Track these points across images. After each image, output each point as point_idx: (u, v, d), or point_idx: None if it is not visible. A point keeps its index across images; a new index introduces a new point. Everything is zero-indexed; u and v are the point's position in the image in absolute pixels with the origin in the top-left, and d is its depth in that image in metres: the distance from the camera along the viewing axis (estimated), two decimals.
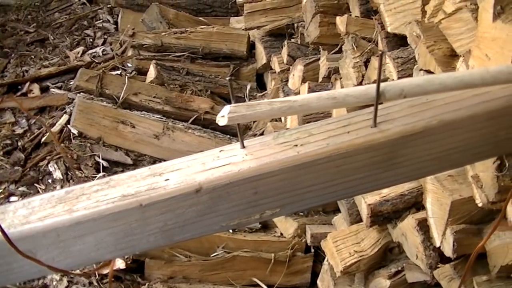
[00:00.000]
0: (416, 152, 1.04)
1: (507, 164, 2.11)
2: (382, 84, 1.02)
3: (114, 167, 4.33)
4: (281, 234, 3.89)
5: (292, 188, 1.03)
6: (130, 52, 5.21)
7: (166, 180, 1.05)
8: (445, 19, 2.56)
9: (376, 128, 1.03)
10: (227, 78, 1.23)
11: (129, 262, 3.54)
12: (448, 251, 2.59)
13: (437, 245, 2.67)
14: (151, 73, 4.81)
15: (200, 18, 5.65)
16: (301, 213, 3.86)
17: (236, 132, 4.64)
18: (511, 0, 2.12)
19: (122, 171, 4.16)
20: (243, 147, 1.08)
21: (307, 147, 1.03)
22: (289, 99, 1.04)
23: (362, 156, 1.02)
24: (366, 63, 3.39)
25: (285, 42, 4.60)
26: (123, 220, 1.02)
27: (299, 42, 4.55)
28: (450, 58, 2.58)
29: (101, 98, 4.56)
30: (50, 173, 4.17)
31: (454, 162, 1.07)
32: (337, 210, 3.63)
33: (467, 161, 1.08)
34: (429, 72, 2.60)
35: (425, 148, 1.04)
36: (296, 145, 1.04)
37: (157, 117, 4.51)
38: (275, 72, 4.82)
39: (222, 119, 1.04)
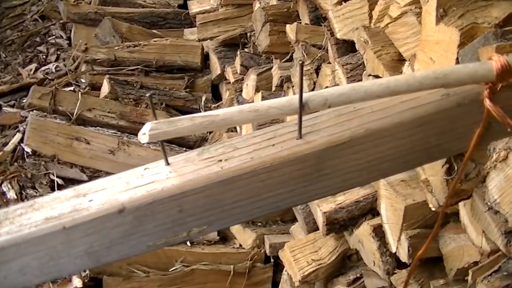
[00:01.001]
0: (343, 163, 1.01)
1: (456, 168, 2.10)
2: (305, 95, 0.99)
3: (69, 185, 4.26)
4: (240, 245, 3.86)
5: (218, 204, 1.00)
6: (83, 68, 5.16)
7: (90, 201, 1.01)
8: (391, 24, 2.55)
9: (301, 140, 1.01)
10: (147, 95, 1.19)
11: (86, 280, 3.49)
12: (403, 256, 2.58)
13: (393, 250, 2.66)
14: (105, 88, 4.76)
15: (153, 30, 5.60)
16: (259, 223, 3.85)
17: (192, 144, 4.62)
18: (453, 2, 2.11)
19: None
20: (168, 164, 1.05)
21: (231, 162, 1.00)
22: (211, 114, 1.01)
23: (288, 169, 0.99)
24: (317, 70, 3.38)
25: (238, 52, 4.57)
26: (47, 243, 0.99)
27: (252, 52, 4.54)
28: (398, 62, 2.57)
29: (55, 115, 4.50)
30: (4, 193, 4.10)
31: (384, 171, 1.04)
32: (295, 219, 3.60)
33: (398, 169, 1.05)
34: (378, 77, 2.59)
35: (352, 158, 1.01)
36: (221, 160, 1.01)
37: (112, 132, 4.46)
38: (229, 82, 4.80)
39: (143, 136, 1.01)
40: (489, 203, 2.00)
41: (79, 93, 4.70)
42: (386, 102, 1.05)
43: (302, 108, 0.98)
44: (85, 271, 3.50)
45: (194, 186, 0.99)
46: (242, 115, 1.00)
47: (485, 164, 2.01)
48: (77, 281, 3.47)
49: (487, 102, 1.02)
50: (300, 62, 0.96)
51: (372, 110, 1.04)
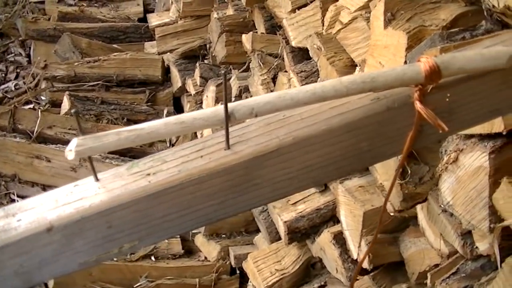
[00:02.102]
0: (272, 172, 0.99)
1: (409, 171, 2.09)
2: (231, 104, 0.97)
3: None
4: (205, 258, 3.83)
5: (147, 219, 0.98)
6: (43, 85, 5.11)
7: (18, 220, 0.99)
8: (342, 30, 2.54)
9: (229, 150, 0.99)
10: (73, 111, 1.17)
11: None
12: (364, 262, 2.57)
13: (355, 257, 2.65)
14: (65, 105, 4.72)
15: (114, 45, 5.56)
16: (224, 235, 3.82)
17: None
18: (401, 6, 2.11)
19: None
20: (97, 180, 1.02)
21: (159, 176, 0.98)
22: (137, 128, 0.99)
23: (216, 181, 0.97)
24: (274, 79, 3.37)
25: (197, 64, 4.56)
26: None
27: (211, 63, 4.52)
28: (351, 68, 2.57)
29: (14, 134, 4.45)
30: None
31: (315, 179, 1.03)
32: (259, 230, 3.58)
33: (330, 176, 1.03)
34: None
35: (281, 167, 0.99)
36: (149, 174, 0.99)
37: None
38: (190, 94, 4.78)
39: (70, 153, 0.98)
40: (442, 206, 2.00)
41: (39, 110, 4.65)
42: (315, 109, 1.03)
43: (228, 118, 0.96)
44: None
45: (122, 201, 0.97)
46: (168, 128, 0.98)
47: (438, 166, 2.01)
48: None
49: (418, 105, 1.01)
50: (224, 72, 0.94)
51: (301, 118, 1.02)
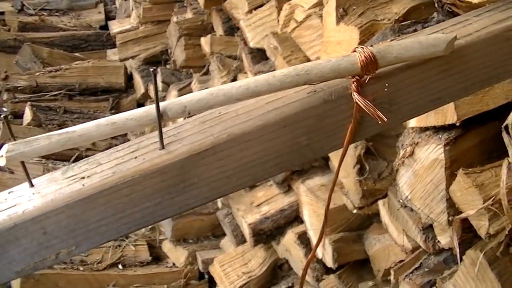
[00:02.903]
0: (208, 171, 0.96)
1: (367, 168, 2.08)
2: (163, 103, 0.95)
3: None
4: (173, 264, 3.79)
5: (83, 224, 0.95)
6: (4, 96, 5.04)
7: None
8: (297, 28, 2.53)
9: (163, 150, 0.96)
10: (2, 116, 1.15)
11: None
12: (329, 261, 2.56)
13: (320, 257, 2.63)
14: (27, 116, 4.66)
15: (76, 54, 5.51)
16: (191, 240, 3.79)
17: None
18: (353, 1, 2.09)
19: None
20: (32, 185, 0.99)
21: (93, 178, 0.95)
22: (68, 131, 0.96)
23: (151, 182, 0.94)
24: (234, 81, 3.34)
25: (159, 69, 4.52)
26: None
27: (173, 68, 4.48)
28: None
29: None
30: None
31: (254, 176, 1.00)
32: (226, 233, 3.56)
33: (270, 172, 1.00)
34: None
35: (217, 166, 0.97)
36: (83, 177, 0.96)
37: (36, 160, 4.35)
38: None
39: (1, 159, 0.95)
40: (401, 200, 1.98)
41: (1, 122, 4.59)
42: (251, 105, 1.01)
43: (161, 117, 0.94)
44: None
45: (56, 206, 0.94)
46: (100, 130, 0.95)
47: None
48: None
49: (355, 96, 0.98)
50: (153, 69, 0.91)
51: (237, 114, 0.99)
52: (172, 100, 0.95)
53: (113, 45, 5.57)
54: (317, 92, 1.01)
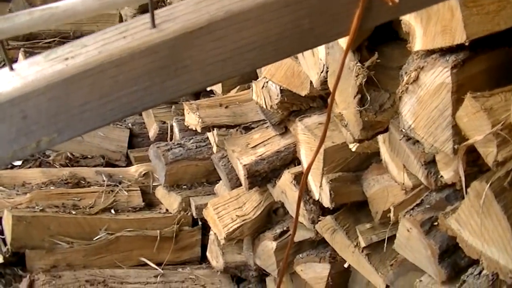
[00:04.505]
0: (203, 52, 0.88)
1: (368, 98, 2.00)
2: None
3: None
4: (167, 210, 3.74)
5: (65, 108, 0.87)
6: None
7: None
8: None
9: (155, 29, 0.88)
10: None
11: (7, 255, 3.34)
12: (326, 201, 2.50)
13: (316, 197, 2.57)
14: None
15: None
16: (184, 186, 3.73)
17: None
18: None
19: None
20: (12, 69, 0.91)
21: (77, 59, 0.87)
22: (51, 6, 0.88)
23: (139, 62, 0.86)
24: None
25: None
26: None
27: None
28: None
29: None
30: None
31: (252, 61, 0.92)
32: (220, 179, 3.49)
33: (268, 58, 0.92)
34: None
35: (213, 47, 0.88)
36: (67, 58, 0.88)
37: None
38: None
39: None
40: (403, 130, 1.90)
41: None
42: None
43: None
44: (5, 246, 3.35)
45: (36, 87, 0.86)
46: (86, 5, 0.87)
47: None
48: None
49: None
50: None
51: None
52: None
53: None
54: None
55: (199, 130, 3.17)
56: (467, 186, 1.77)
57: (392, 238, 2.26)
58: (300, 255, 2.89)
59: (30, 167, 4.09)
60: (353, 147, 2.32)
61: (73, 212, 3.50)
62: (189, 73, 0.89)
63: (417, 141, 1.97)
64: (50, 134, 0.89)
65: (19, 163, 4.16)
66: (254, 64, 0.93)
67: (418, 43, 1.76)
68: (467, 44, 1.61)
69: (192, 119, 3.20)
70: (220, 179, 3.45)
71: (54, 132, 0.89)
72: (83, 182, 3.83)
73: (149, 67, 0.87)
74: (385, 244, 2.38)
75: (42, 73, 0.87)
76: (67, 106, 0.88)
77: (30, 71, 0.88)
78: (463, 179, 1.77)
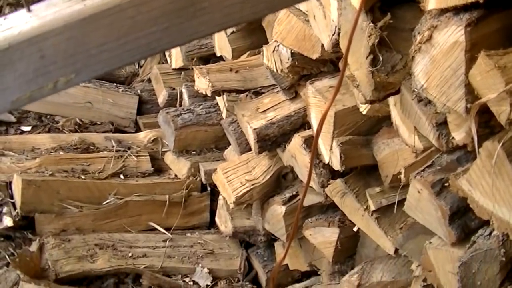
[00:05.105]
0: None
1: (380, 59, 2.00)
2: None
3: None
4: (175, 176, 3.74)
5: (83, 48, 0.88)
6: None
7: None
8: None
9: None
10: None
11: (17, 219, 3.36)
12: (336, 164, 2.50)
13: (326, 161, 2.57)
14: None
15: None
16: (194, 152, 3.73)
17: (123, 80, 4.49)
18: None
19: (6, 130, 3.98)
20: (29, 10, 0.91)
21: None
22: None
23: (159, 3, 0.86)
24: None
25: None
26: None
27: None
28: None
29: None
30: None
31: (269, 4, 0.91)
32: (230, 145, 3.50)
33: (289, 2, 0.92)
34: None
35: None
36: None
37: None
38: None
39: None
40: (416, 90, 1.90)
41: None
42: None
43: None
44: (15, 210, 3.37)
45: (54, 26, 0.86)
46: None
47: None
48: (7, 220, 3.35)
49: None
50: None
51: None
52: None
53: None
54: None
55: (209, 94, 3.18)
56: (479, 146, 1.77)
57: (401, 203, 2.26)
58: (309, 220, 2.89)
59: (39, 133, 4.09)
60: (364, 110, 2.32)
61: (82, 177, 3.51)
62: (208, 15, 0.89)
63: (429, 102, 1.97)
64: (67, 75, 0.89)
65: (28, 128, 4.17)
66: (273, 7, 0.93)
67: (431, 2, 1.76)
68: (481, 2, 1.60)
69: (202, 84, 3.20)
70: (230, 145, 3.46)
71: (71, 72, 0.89)
72: (92, 148, 3.83)
73: (168, 8, 0.87)
74: (395, 208, 2.38)
75: (60, 13, 0.87)
76: (85, 47, 0.88)
77: (48, 12, 0.89)
78: (475, 138, 1.77)
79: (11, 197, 3.45)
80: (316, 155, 2.64)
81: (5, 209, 3.41)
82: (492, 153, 1.71)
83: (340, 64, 2.54)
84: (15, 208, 3.41)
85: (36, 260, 3.18)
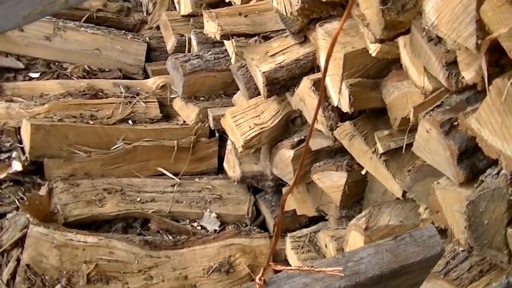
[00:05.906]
0: None
1: None
2: None
3: (5, 73, 4.09)
4: (184, 122, 3.75)
5: None
6: None
7: None
8: None
9: None
10: None
11: (26, 164, 3.37)
12: (345, 106, 2.49)
13: (335, 103, 2.57)
14: None
15: None
16: (202, 98, 3.73)
17: (132, 27, 4.48)
18: None
19: (15, 77, 3.98)
20: None
21: None
22: None
23: None
24: None
25: None
26: None
27: None
28: None
29: None
30: None
31: None
32: (238, 91, 3.49)
33: None
34: None
35: None
36: None
37: (46, 18, 4.25)
38: None
39: None
40: (426, 27, 1.89)
41: None
42: None
43: None
44: (24, 154, 3.38)
45: None
46: None
47: None
48: (17, 165, 3.36)
49: None
50: None
51: None
52: None
53: None
54: None
55: (218, 38, 3.17)
56: (489, 84, 1.76)
57: (410, 146, 2.26)
58: (317, 164, 2.90)
59: (48, 79, 4.09)
60: (373, 51, 2.32)
61: (91, 122, 3.51)
62: None
63: (439, 41, 1.96)
64: None
65: (36, 75, 4.17)
66: None
67: None
68: None
69: (211, 28, 3.18)
70: (238, 90, 3.46)
71: None
72: (101, 94, 3.84)
73: None
74: (403, 150, 2.39)
75: None
76: None
77: None
78: (485, 74, 1.76)
79: (20, 142, 3.46)
80: (324, 98, 2.63)
81: (14, 154, 3.42)
82: (502, 90, 1.71)
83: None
84: (24, 153, 3.42)
85: (45, 204, 3.20)
